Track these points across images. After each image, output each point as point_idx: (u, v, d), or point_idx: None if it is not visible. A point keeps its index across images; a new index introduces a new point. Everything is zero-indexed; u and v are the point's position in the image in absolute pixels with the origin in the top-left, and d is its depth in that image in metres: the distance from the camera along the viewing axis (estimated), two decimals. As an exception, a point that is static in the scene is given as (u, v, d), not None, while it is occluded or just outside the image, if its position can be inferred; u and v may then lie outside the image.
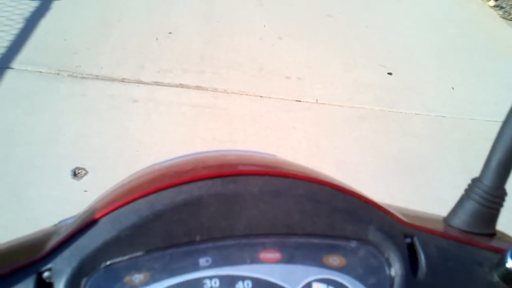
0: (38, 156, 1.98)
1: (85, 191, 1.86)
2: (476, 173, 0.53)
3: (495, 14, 4.16)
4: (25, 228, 1.70)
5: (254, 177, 0.42)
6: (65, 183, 1.89)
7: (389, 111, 2.67)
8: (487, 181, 0.51)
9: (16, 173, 1.90)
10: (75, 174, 1.92)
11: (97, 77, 2.50)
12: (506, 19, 4.12)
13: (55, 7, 3.00)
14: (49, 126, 2.14)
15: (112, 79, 2.50)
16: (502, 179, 0.51)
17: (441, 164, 2.35)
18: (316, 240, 0.41)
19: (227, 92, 2.59)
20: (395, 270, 0.42)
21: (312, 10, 3.61)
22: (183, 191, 0.40)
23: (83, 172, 1.94)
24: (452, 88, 2.97)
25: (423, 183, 2.21)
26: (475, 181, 0.52)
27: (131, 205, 0.40)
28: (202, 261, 0.39)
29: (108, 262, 0.38)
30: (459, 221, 0.52)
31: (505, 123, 0.50)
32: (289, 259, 0.40)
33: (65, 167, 1.95)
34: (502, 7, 4.31)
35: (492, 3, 4.34)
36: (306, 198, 0.42)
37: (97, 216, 0.40)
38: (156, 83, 2.54)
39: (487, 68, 3.26)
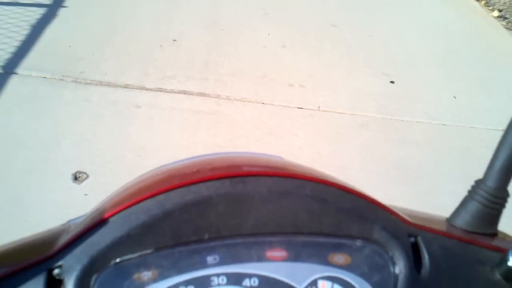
0: (40, 160, 2.00)
1: (85, 194, 1.88)
2: (475, 181, 0.53)
3: (499, 25, 4.17)
4: (26, 231, 1.71)
5: (262, 178, 0.43)
6: (65, 187, 1.90)
7: (391, 119, 2.68)
8: (490, 183, 0.51)
9: (18, 176, 1.92)
10: (76, 178, 1.94)
11: (101, 83, 2.52)
12: (510, 29, 4.12)
13: (61, 14, 3.04)
14: (51, 131, 2.16)
15: (115, 85, 2.53)
16: (505, 180, 0.51)
17: (441, 172, 2.35)
18: (321, 239, 0.42)
19: (230, 99, 2.60)
20: (399, 268, 0.43)
21: (317, 20, 3.63)
22: (192, 191, 0.41)
23: (84, 176, 1.95)
24: (454, 96, 2.97)
25: (423, 190, 2.21)
26: (478, 182, 0.53)
27: (141, 204, 0.41)
28: (210, 259, 0.40)
29: (117, 260, 0.39)
30: (462, 221, 0.52)
31: (510, 126, 0.51)
32: (295, 257, 0.41)
33: (66, 171, 1.97)
34: (505, 18, 4.32)
35: (495, 13, 4.35)
36: (312, 198, 0.43)
37: (107, 215, 0.41)
38: (160, 90, 2.56)
39: (490, 78, 3.26)
